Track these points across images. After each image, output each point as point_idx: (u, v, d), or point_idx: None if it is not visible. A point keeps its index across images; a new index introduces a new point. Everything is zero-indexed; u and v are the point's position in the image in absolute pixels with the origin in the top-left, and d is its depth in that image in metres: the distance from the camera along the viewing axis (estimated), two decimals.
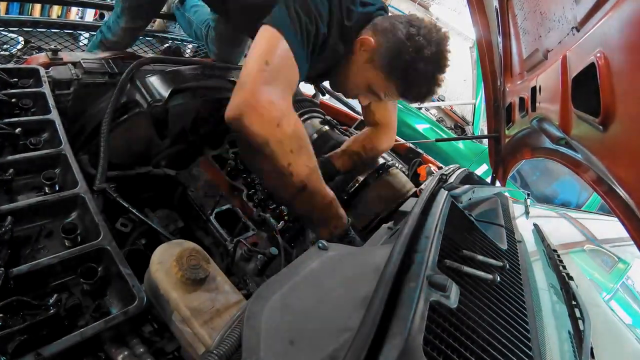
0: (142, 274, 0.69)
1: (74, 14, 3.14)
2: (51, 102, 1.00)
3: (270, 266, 1.07)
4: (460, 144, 4.14)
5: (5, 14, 2.47)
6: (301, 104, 1.59)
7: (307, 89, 2.03)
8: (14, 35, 1.91)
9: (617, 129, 0.67)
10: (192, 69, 1.45)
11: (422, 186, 1.26)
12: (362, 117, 2.17)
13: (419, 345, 0.43)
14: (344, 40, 1.10)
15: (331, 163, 1.31)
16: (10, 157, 0.82)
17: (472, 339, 0.53)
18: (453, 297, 0.54)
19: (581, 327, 0.81)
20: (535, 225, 1.41)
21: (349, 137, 1.50)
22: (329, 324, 0.49)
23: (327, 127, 1.52)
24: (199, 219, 1.28)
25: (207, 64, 1.59)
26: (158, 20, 2.21)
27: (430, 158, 1.90)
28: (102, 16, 2.76)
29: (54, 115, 0.96)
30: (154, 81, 1.30)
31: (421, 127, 4.47)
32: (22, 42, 1.96)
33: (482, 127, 4.26)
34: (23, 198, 0.78)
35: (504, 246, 0.96)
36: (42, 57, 1.22)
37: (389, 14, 1.17)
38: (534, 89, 1.17)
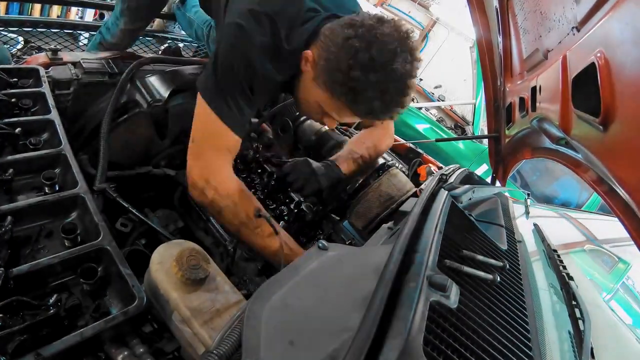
0: (142, 274, 0.69)
1: (74, 14, 3.13)
2: (51, 102, 1.00)
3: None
4: (460, 144, 4.14)
5: (5, 14, 2.47)
6: None
7: None
8: (13, 35, 1.91)
9: (617, 129, 0.67)
10: (192, 69, 1.45)
11: (422, 186, 1.25)
12: None
13: (419, 345, 0.43)
14: (291, 65, 1.01)
15: (337, 167, 1.29)
16: (10, 157, 0.82)
17: (472, 339, 0.53)
18: (453, 297, 0.54)
19: (581, 327, 0.81)
20: (535, 225, 1.41)
21: (349, 137, 1.49)
22: (329, 324, 0.49)
23: (326, 127, 1.52)
24: (199, 219, 1.28)
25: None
26: (157, 20, 2.21)
27: (430, 158, 1.90)
28: (102, 16, 2.75)
29: (54, 115, 0.96)
30: (154, 81, 1.31)
31: (421, 127, 4.47)
32: (22, 42, 1.96)
33: (482, 127, 4.25)
34: (23, 198, 0.78)
35: (504, 246, 0.96)
36: (42, 57, 1.22)
37: (342, 18, 0.97)
38: (534, 89, 1.17)
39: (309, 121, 1.53)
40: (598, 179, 0.84)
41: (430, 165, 1.75)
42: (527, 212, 1.59)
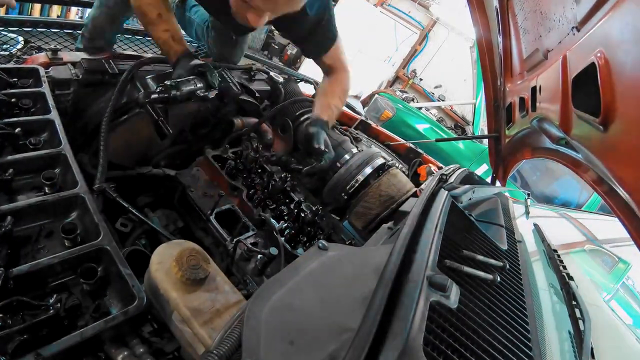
0: (142, 274, 0.69)
1: (74, 14, 3.14)
2: (51, 102, 1.00)
3: (270, 266, 1.07)
4: (460, 144, 4.14)
5: (5, 14, 2.47)
6: (301, 103, 1.59)
7: (307, 89, 2.03)
8: (13, 35, 1.91)
9: (617, 129, 0.67)
10: None
11: (422, 186, 1.26)
12: (362, 117, 2.18)
13: (419, 345, 0.43)
14: None
15: (322, 120, 1.35)
16: (10, 157, 0.82)
17: (472, 339, 0.53)
18: (453, 297, 0.54)
19: (581, 327, 0.81)
20: (535, 225, 1.41)
21: (349, 137, 1.50)
22: (329, 324, 0.49)
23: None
24: (199, 219, 1.28)
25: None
26: None
27: (430, 158, 1.90)
28: None
29: (54, 115, 0.96)
30: (154, 81, 1.30)
31: (421, 127, 4.47)
32: (22, 42, 1.96)
33: (482, 127, 4.25)
34: (23, 198, 0.78)
35: (504, 246, 0.96)
36: (42, 57, 1.22)
37: None
38: (534, 89, 1.17)
39: (308, 121, 1.53)
40: (598, 179, 0.84)
41: (430, 165, 1.76)
42: (527, 212, 1.59)
